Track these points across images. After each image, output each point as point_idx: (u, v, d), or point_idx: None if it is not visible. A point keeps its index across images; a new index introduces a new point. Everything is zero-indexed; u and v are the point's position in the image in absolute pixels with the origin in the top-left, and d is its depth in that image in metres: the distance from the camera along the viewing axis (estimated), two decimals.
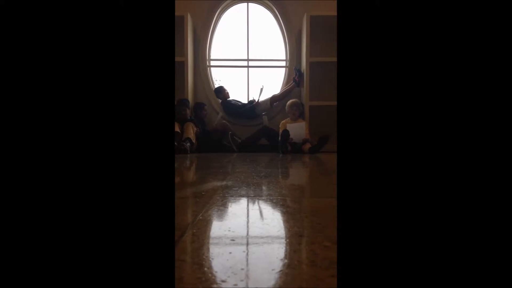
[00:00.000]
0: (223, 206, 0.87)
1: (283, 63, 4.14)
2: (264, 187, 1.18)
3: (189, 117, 3.49)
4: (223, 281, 0.42)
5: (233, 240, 0.59)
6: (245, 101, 4.07)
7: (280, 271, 0.45)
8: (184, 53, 3.68)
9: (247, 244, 0.57)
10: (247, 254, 0.52)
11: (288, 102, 3.62)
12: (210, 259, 0.50)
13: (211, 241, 0.59)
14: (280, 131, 3.37)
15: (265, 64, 4.22)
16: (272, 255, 0.51)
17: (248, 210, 0.84)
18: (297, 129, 3.41)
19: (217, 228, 0.67)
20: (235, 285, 0.41)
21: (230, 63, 4.24)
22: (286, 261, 0.49)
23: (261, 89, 3.80)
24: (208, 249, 0.55)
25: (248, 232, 0.64)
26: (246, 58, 4.15)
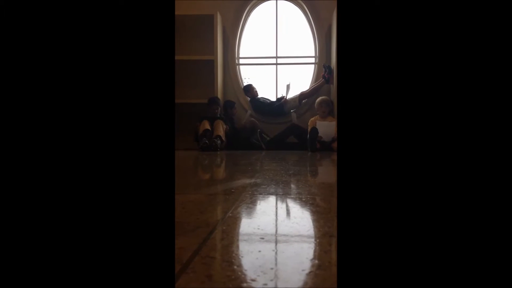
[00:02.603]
0: (252, 203, 0.87)
1: (312, 60, 4.09)
2: (293, 185, 1.17)
3: (219, 115, 3.53)
4: (252, 280, 0.42)
5: (262, 238, 0.59)
6: (273, 98, 4.06)
7: (310, 272, 0.45)
8: (213, 52, 3.72)
9: (276, 242, 0.57)
10: (276, 253, 0.52)
11: (318, 100, 3.57)
12: (240, 257, 0.50)
13: (240, 238, 0.59)
14: (309, 128, 3.33)
15: (294, 61, 4.19)
16: (302, 255, 0.51)
17: (277, 208, 0.84)
18: (327, 127, 3.35)
19: (247, 225, 0.67)
20: (265, 284, 0.41)
21: (258, 61, 4.24)
22: (316, 261, 0.48)
23: (288, 86, 3.77)
24: (237, 246, 0.55)
25: (277, 230, 0.64)
26: (275, 55, 4.13)
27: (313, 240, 0.58)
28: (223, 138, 3.37)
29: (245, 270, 0.45)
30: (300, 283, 0.41)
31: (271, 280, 0.42)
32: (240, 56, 4.15)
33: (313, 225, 0.68)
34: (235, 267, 0.46)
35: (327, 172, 1.67)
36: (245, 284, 0.41)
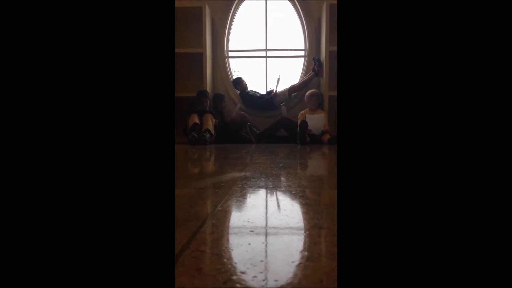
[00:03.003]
0: (242, 197, 0.87)
1: (302, 53, 4.08)
2: (282, 178, 1.17)
3: (208, 109, 3.51)
4: (242, 272, 0.42)
5: (252, 231, 0.59)
6: (263, 92, 4.05)
7: (300, 263, 0.45)
8: (202, 45, 3.68)
9: (266, 235, 0.57)
10: (266, 245, 0.52)
11: (307, 93, 3.57)
12: (230, 250, 0.50)
13: (230, 231, 0.59)
14: (299, 122, 3.34)
15: (284, 54, 4.17)
16: (292, 247, 0.51)
17: (267, 201, 0.84)
18: (316, 120, 3.36)
19: (236, 219, 0.67)
20: (255, 277, 0.41)
21: (248, 54, 4.21)
22: (306, 253, 0.48)
23: (278, 79, 3.77)
24: (227, 240, 0.55)
25: (267, 223, 0.64)
26: (265, 48, 4.11)
27: (302, 232, 0.58)
28: (212, 132, 3.36)
29: (235, 263, 0.45)
30: (290, 275, 0.41)
31: (261, 272, 0.42)
32: (230, 49, 4.12)
33: (303, 217, 0.68)
34: (225, 260, 0.46)
35: (317, 164, 1.68)
36: (235, 277, 0.41)
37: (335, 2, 3.57)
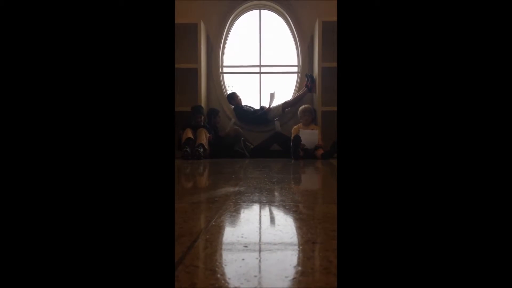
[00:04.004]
0: (236, 212, 0.87)
1: (295, 69, 4.14)
2: (276, 193, 1.17)
3: (202, 124, 3.52)
4: (236, 287, 0.42)
5: (246, 246, 0.59)
6: (257, 107, 4.08)
7: (294, 278, 0.45)
8: (197, 60, 3.72)
9: (260, 250, 0.57)
10: (260, 260, 0.52)
11: (301, 108, 3.61)
12: (223, 265, 0.50)
13: (224, 247, 0.59)
14: (292, 136, 3.36)
15: (277, 70, 4.23)
16: (286, 262, 0.51)
17: (260, 216, 0.84)
18: (310, 135, 3.39)
19: (230, 234, 0.67)
20: None
21: (242, 70, 4.27)
22: (299, 268, 0.49)
23: (272, 95, 3.82)
24: (221, 255, 0.55)
25: (261, 238, 0.64)
26: (258, 64, 4.17)
27: (296, 247, 0.59)
28: (206, 147, 3.36)
29: (229, 278, 0.45)
30: None
31: (255, 287, 0.42)
32: (224, 64, 4.17)
33: (296, 232, 0.68)
34: (218, 275, 0.46)
35: (310, 179, 1.69)
36: None
37: (327, 19, 3.66)
